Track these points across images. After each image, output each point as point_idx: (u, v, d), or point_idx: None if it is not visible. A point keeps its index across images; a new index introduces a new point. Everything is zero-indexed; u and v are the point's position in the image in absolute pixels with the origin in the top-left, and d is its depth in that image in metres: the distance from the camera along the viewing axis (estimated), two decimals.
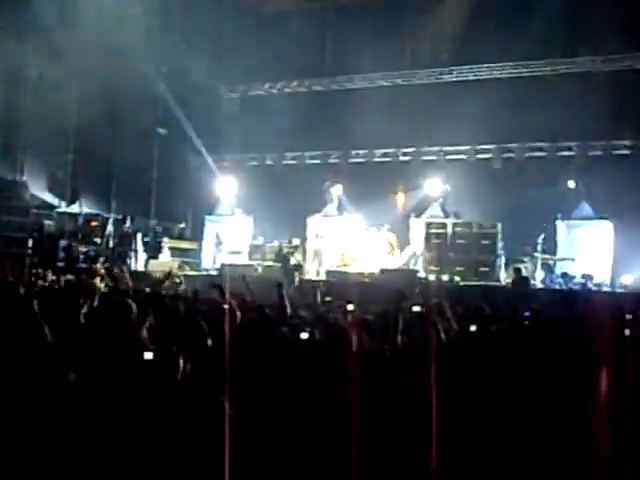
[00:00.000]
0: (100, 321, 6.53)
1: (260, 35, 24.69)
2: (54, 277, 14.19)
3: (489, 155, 22.89)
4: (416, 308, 7.24)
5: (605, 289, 17.23)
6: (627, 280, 17.59)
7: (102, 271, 16.80)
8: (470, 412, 4.61)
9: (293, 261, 19.70)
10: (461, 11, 21.70)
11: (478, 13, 21.56)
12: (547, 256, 18.61)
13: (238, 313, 6.73)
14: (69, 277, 14.04)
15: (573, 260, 18.55)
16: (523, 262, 18.32)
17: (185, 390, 4.64)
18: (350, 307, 7.52)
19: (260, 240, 21.84)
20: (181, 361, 4.71)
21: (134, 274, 16.89)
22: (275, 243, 21.16)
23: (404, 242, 20.47)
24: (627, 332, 5.29)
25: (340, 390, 4.50)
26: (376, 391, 4.72)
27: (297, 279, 17.99)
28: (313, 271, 19.76)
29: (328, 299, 10.24)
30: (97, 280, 14.08)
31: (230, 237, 22.52)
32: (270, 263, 19.97)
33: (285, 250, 20.36)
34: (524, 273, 17.60)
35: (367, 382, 4.88)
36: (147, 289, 11.30)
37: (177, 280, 16.32)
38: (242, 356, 5.01)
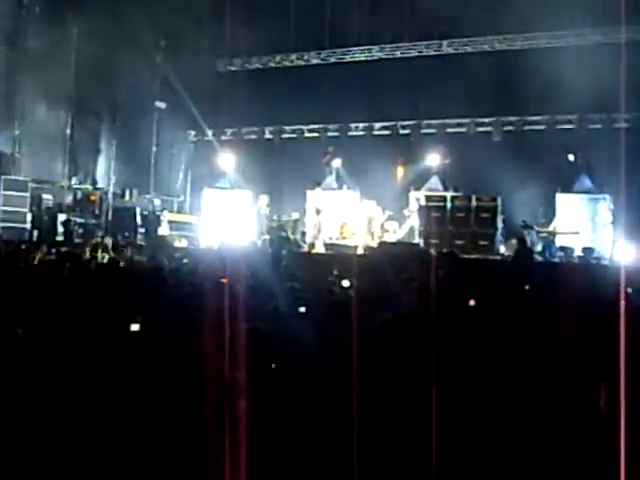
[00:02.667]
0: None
1: (258, 7, 24.48)
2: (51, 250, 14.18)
3: (489, 128, 22.82)
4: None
5: (604, 262, 17.24)
6: (622, 251, 17.54)
7: (108, 244, 16.85)
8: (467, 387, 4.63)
9: (282, 234, 19.55)
10: None
11: None
12: (547, 229, 18.60)
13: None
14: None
15: (574, 233, 18.53)
16: (523, 235, 18.31)
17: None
18: (345, 283, 7.50)
19: (259, 214, 21.79)
20: (167, 334, 4.72)
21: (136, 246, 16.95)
22: (275, 217, 21.14)
23: (402, 216, 20.45)
24: (623, 305, 5.30)
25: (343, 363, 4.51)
26: (378, 362, 4.73)
27: (284, 252, 17.87)
28: (319, 245, 19.73)
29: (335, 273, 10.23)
30: (99, 252, 14.12)
31: (228, 211, 22.49)
32: (268, 237, 19.94)
33: (274, 224, 20.32)
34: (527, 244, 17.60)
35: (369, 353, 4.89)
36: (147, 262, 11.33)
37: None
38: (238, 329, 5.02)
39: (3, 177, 19.89)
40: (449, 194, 19.56)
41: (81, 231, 20.56)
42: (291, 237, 19.63)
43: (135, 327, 4.74)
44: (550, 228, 18.76)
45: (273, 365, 4.83)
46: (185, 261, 14.74)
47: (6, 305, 6.05)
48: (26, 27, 21.50)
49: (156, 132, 25.45)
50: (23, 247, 15.08)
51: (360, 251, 18.48)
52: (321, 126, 24.96)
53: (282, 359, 4.88)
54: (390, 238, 19.56)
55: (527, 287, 7.93)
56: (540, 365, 4.73)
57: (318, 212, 20.21)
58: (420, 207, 19.50)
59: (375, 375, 4.67)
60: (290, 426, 4.14)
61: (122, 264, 11.12)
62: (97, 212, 22.03)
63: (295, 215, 21.17)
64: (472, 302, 7.21)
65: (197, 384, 4.17)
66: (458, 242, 18.36)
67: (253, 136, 26.10)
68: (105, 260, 12.40)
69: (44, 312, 5.60)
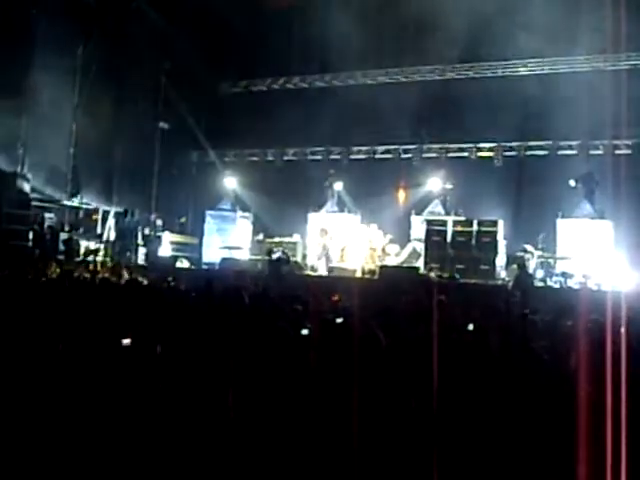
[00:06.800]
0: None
1: (262, 31, 24.63)
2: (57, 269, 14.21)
3: (490, 153, 22.86)
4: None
5: (604, 288, 17.22)
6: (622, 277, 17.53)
7: (109, 263, 16.91)
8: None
9: (280, 256, 19.51)
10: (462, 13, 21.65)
11: (482, 13, 21.49)
12: (547, 254, 18.61)
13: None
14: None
15: (573, 259, 18.53)
16: (524, 260, 18.31)
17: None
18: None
19: (261, 236, 21.89)
20: (158, 348, 4.74)
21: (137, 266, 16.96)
22: (276, 239, 21.19)
23: (404, 240, 20.48)
24: (622, 330, 5.30)
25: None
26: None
27: (285, 271, 17.86)
28: (321, 267, 19.74)
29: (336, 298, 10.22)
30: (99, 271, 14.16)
31: (230, 232, 22.58)
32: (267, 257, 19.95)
33: (271, 245, 20.34)
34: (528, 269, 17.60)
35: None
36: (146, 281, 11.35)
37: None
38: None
39: (5, 195, 19.91)
40: (450, 218, 19.60)
41: (82, 250, 20.59)
42: (292, 259, 19.65)
43: (126, 341, 4.77)
44: (551, 254, 18.76)
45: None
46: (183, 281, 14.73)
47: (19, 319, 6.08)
48: (31, 51, 21.60)
49: (159, 153, 25.55)
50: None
51: (359, 274, 18.51)
52: (323, 149, 25.03)
53: (282, 377, 4.88)
54: (391, 262, 19.57)
55: (527, 311, 7.92)
56: (538, 395, 4.73)
57: (324, 234, 20.16)
58: (424, 231, 19.50)
59: (374, 398, 4.66)
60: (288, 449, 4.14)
61: (121, 282, 11.14)
62: (99, 231, 22.09)
63: (296, 237, 21.22)
64: (471, 326, 7.17)
65: (191, 400, 4.18)
66: (459, 266, 18.37)
67: (255, 158, 26.16)
68: (104, 278, 12.42)
69: (43, 326, 5.63)
